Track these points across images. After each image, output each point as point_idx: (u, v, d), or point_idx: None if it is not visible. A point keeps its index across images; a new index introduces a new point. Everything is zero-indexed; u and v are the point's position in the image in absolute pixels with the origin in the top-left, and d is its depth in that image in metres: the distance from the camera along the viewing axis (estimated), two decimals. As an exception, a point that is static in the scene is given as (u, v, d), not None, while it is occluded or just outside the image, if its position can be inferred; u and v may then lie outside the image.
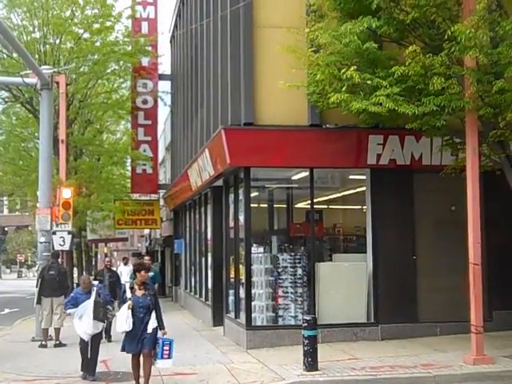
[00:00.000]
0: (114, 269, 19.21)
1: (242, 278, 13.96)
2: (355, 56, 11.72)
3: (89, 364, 10.87)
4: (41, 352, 14.22)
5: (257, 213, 14.81)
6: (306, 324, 10.99)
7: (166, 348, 9.59)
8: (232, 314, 15.09)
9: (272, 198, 16.21)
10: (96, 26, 24.18)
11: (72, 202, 17.86)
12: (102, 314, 10.84)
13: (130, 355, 9.87)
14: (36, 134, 24.12)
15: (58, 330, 15.03)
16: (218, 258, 16.98)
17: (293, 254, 14.10)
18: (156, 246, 39.26)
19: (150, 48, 26.80)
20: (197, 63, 20.18)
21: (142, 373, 9.79)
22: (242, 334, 13.63)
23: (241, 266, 14.23)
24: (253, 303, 13.60)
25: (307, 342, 10.82)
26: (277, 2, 14.07)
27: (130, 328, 9.50)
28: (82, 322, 10.69)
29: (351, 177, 15.32)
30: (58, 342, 14.85)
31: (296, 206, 15.80)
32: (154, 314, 9.69)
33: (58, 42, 23.94)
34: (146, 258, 19.30)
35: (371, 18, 11.13)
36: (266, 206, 16.19)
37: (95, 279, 15.00)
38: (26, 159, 26.60)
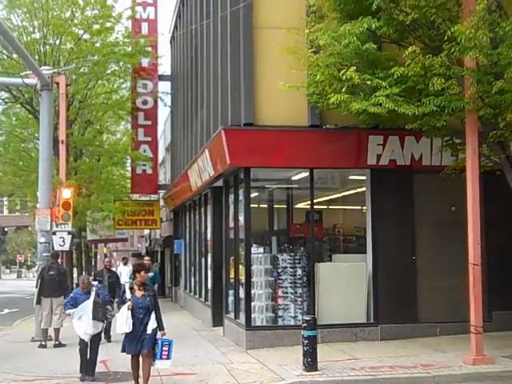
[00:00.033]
0: (114, 269, 19.23)
1: (242, 278, 13.97)
2: (355, 57, 11.73)
3: (88, 365, 10.87)
4: (40, 352, 14.22)
5: (257, 213, 14.83)
6: (305, 324, 10.99)
7: (165, 349, 9.60)
8: (232, 315, 15.10)
9: (272, 198, 16.22)
10: (96, 26, 24.20)
11: (72, 203, 17.86)
12: (102, 314, 10.85)
13: (129, 355, 9.88)
14: (36, 135, 24.14)
15: (57, 331, 15.04)
16: (217, 258, 16.99)
17: (293, 254, 14.11)
18: (156, 247, 39.27)
19: (149, 49, 26.83)
20: (197, 64, 20.19)
21: (141, 373, 9.80)
22: (242, 335, 13.64)
23: (240, 267, 14.23)
24: (252, 303, 13.61)
25: (307, 342, 10.82)
26: (277, 2, 14.08)
27: (130, 329, 9.51)
28: (81, 323, 10.69)
29: (351, 177, 15.32)
30: (57, 343, 14.86)
31: (296, 206, 15.81)
32: (153, 315, 9.70)
33: (57, 42, 23.96)
34: (146, 258, 19.31)
35: (371, 19, 11.14)
36: (265, 206, 16.20)
37: (95, 279, 15.01)
38: (26, 160, 26.61)
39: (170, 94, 28.30)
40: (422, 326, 13.86)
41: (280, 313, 13.82)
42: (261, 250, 13.96)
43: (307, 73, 12.73)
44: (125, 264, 25.13)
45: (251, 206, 13.84)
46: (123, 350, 9.83)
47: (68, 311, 11.13)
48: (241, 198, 14.24)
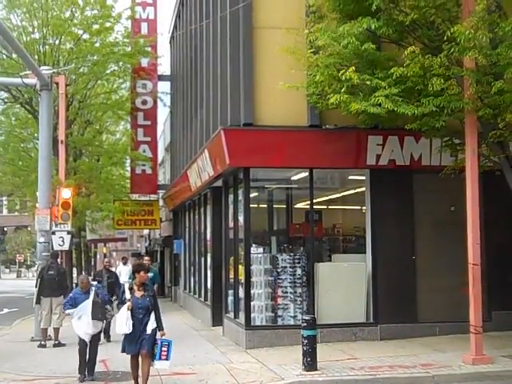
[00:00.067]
0: (113, 269, 19.22)
1: (242, 278, 13.97)
2: (354, 57, 11.73)
3: (87, 365, 10.87)
4: (40, 352, 14.23)
5: (256, 213, 14.84)
6: (305, 324, 11.01)
7: (164, 349, 9.60)
8: (231, 314, 15.10)
9: (271, 198, 16.23)
10: (95, 26, 24.23)
11: (71, 202, 17.86)
12: (101, 313, 10.86)
13: (128, 355, 9.88)
14: (35, 135, 24.12)
15: (57, 330, 15.05)
16: (217, 258, 17.00)
17: (292, 254, 14.11)
18: (155, 247, 39.28)
19: (149, 49, 26.85)
20: (196, 64, 20.20)
21: (140, 373, 9.80)
22: (242, 334, 13.64)
23: (240, 266, 14.24)
24: (252, 303, 13.61)
25: (306, 341, 10.84)
26: (276, 2, 14.08)
27: (130, 330, 9.50)
28: (81, 323, 10.69)
29: (351, 177, 15.33)
30: (57, 342, 14.87)
31: (295, 206, 15.83)
32: (153, 315, 9.68)
33: (57, 42, 23.98)
34: (146, 258, 19.24)
35: (371, 19, 11.15)
36: (265, 206, 16.21)
37: (94, 280, 15.01)
38: (26, 160, 26.62)
39: (169, 94, 28.30)
40: (422, 326, 13.87)
41: (279, 312, 13.83)
42: (260, 249, 13.97)
43: (307, 73, 12.74)
44: (124, 263, 25.16)
45: (251, 205, 13.85)
46: (123, 351, 9.84)
47: (67, 311, 11.14)
48: (240, 197, 14.25)
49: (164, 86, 28.62)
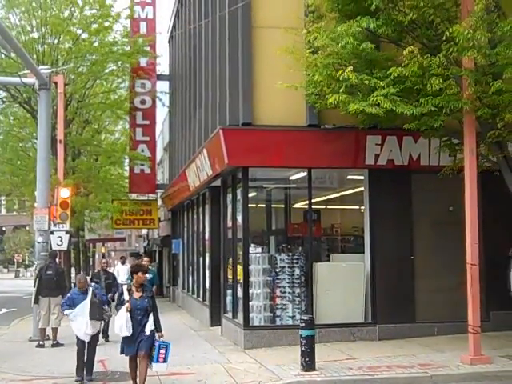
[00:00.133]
0: (111, 269, 19.20)
1: (240, 278, 13.96)
2: (353, 57, 11.73)
3: (85, 365, 10.86)
4: (38, 352, 14.21)
5: (255, 213, 14.83)
6: (303, 324, 11.01)
7: (162, 352, 9.56)
8: (230, 314, 15.10)
9: (270, 198, 16.21)
10: (94, 26, 24.19)
11: (70, 202, 17.84)
12: (99, 314, 10.84)
13: (127, 356, 9.86)
14: (34, 134, 24.11)
15: (55, 330, 15.04)
16: (215, 258, 16.99)
17: (291, 254, 14.11)
18: (154, 246, 39.25)
19: (148, 48, 26.83)
20: (195, 63, 20.19)
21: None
22: (240, 334, 13.64)
23: (239, 266, 14.23)
24: (250, 303, 13.61)
25: (305, 341, 10.83)
26: (275, 2, 14.08)
27: (131, 332, 9.48)
28: (80, 324, 10.66)
29: (349, 177, 15.33)
30: (55, 342, 14.86)
31: (294, 206, 15.82)
32: (151, 316, 9.64)
33: (56, 42, 23.95)
34: (145, 259, 19.18)
35: (370, 18, 11.14)
36: (263, 206, 16.19)
37: (92, 281, 14.98)
38: (24, 159, 26.60)
39: (168, 94, 28.29)
40: (420, 326, 13.88)
41: (278, 312, 13.82)
42: (259, 249, 13.96)
43: (305, 73, 12.73)
44: (122, 263, 25.13)
45: (249, 205, 13.85)
46: (122, 352, 9.81)
47: (66, 312, 11.10)
48: (239, 197, 14.24)
49: (163, 86, 28.65)
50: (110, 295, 14.06)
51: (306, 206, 14.15)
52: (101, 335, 12.66)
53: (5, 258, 79.84)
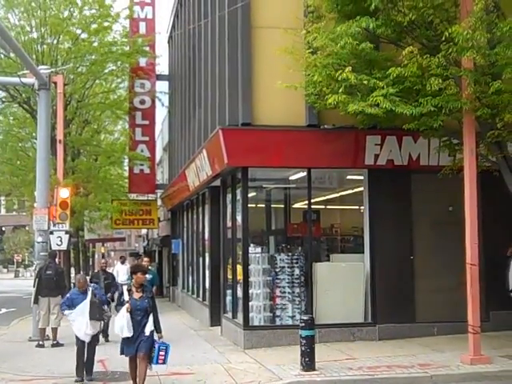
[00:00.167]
0: (111, 270, 19.18)
1: (240, 278, 13.97)
2: (352, 57, 11.73)
3: (85, 365, 10.86)
4: (38, 352, 14.21)
5: (254, 213, 14.83)
6: (303, 324, 11.01)
7: (162, 353, 9.54)
8: (229, 314, 15.10)
9: (270, 198, 16.21)
10: (94, 26, 24.19)
11: (69, 202, 17.83)
12: (99, 314, 10.84)
13: (127, 357, 9.85)
14: (34, 134, 24.10)
15: (55, 330, 15.04)
16: (215, 258, 16.99)
17: (290, 254, 14.11)
18: (153, 246, 39.25)
19: (147, 48, 26.82)
20: (194, 63, 20.19)
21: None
22: (240, 334, 13.64)
23: (238, 266, 14.24)
24: (250, 303, 13.61)
25: (305, 341, 10.84)
26: (274, 2, 14.08)
27: (132, 333, 9.47)
28: (80, 324, 10.66)
29: (349, 177, 15.33)
30: (55, 342, 14.86)
31: (293, 206, 15.82)
32: (151, 317, 9.62)
33: (55, 42, 23.94)
34: (145, 259, 19.12)
35: (369, 18, 11.14)
36: (263, 206, 16.19)
37: (91, 281, 14.97)
38: (24, 159, 26.59)
39: (167, 94, 28.29)
40: (420, 326, 13.89)
41: (278, 312, 13.83)
42: (258, 249, 13.97)
43: (305, 73, 12.73)
44: (122, 263, 25.13)
45: (249, 205, 13.85)
46: (122, 353, 9.80)
47: (65, 312, 11.10)
48: (238, 197, 14.24)
49: (162, 86, 28.64)
50: (108, 295, 14.06)
51: (306, 206, 14.16)
52: (101, 335, 12.65)
53: (4, 258, 79.84)
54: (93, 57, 24.37)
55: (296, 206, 15.64)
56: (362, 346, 13.20)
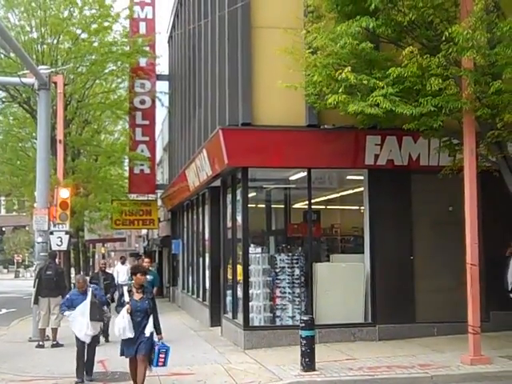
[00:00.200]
0: (111, 270, 19.18)
1: (240, 278, 13.96)
2: (352, 57, 11.72)
3: (85, 366, 10.85)
4: (38, 352, 14.21)
5: (254, 213, 14.82)
6: (303, 324, 11.00)
7: (162, 356, 9.52)
8: (229, 315, 15.09)
9: (270, 198, 16.21)
10: (94, 26, 24.20)
11: (69, 202, 17.84)
12: (99, 314, 10.83)
13: (127, 358, 9.84)
14: (34, 134, 24.10)
15: (55, 331, 15.03)
16: (215, 258, 16.98)
17: (290, 254, 14.10)
18: (154, 247, 39.25)
19: (147, 48, 26.82)
20: (195, 63, 20.18)
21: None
22: (240, 335, 13.63)
23: (238, 267, 14.23)
24: (250, 303, 13.60)
25: (305, 342, 10.83)
26: (274, 2, 14.07)
27: (133, 334, 9.45)
28: (80, 325, 10.64)
29: (349, 177, 15.33)
30: (55, 343, 14.85)
31: (294, 206, 15.81)
32: (151, 318, 9.60)
33: (55, 42, 23.95)
34: (146, 260, 19.05)
35: (369, 18, 11.13)
36: (263, 206, 16.19)
37: (91, 282, 14.96)
38: (24, 159, 26.58)
39: (167, 94, 28.29)
40: (420, 326, 13.88)
41: (278, 313, 13.82)
42: (259, 249, 13.96)
43: (305, 73, 12.73)
44: (122, 263, 25.17)
45: (249, 205, 13.84)
46: (122, 354, 9.78)
47: (65, 313, 11.08)
48: (238, 197, 14.23)
49: (162, 86, 28.65)
50: (108, 296, 14.05)
51: (306, 207, 14.15)
52: (101, 336, 12.64)
53: (4, 258, 79.85)
54: (93, 57, 24.38)
55: (296, 206, 15.64)
56: (362, 346, 13.20)
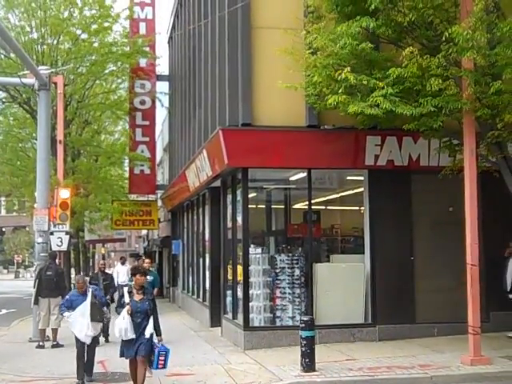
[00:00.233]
0: (111, 270, 19.16)
1: (240, 278, 13.96)
2: (352, 58, 11.72)
3: (85, 366, 10.84)
4: (38, 353, 14.21)
5: (254, 213, 14.83)
6: (303, 325, 11.00)
7: (162, 358, 9.48)
8: (230, 315, 15.09)
9: (270, 198, 16.21)
10: (94, 26, 24.22)
11: (70, 203, 17.84)
12: (99, 315, 10.83)
13: (127, 359, 9.84)
14: (34, 135, 24.11)
15: (55, 331, 15.03)
16: (215, 258, 16.98)
17: (290, 254, 14.10)
18: (154, 247, 39.25)
19: (147, 49, 26.84)
20: (195, 64, 20.19)
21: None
22: (240, 335, 13.63)
23: (238, 267, 14.23)
24: (250, 304, 13.60)
25: (305, 342, 10.83)
26: (274, 3, 14.07)
27: (135, 335, 9.44)
28: (81, 325, 10.63)
29: (349, 178, 15.33)
30: (55, 343, 14.85)
31: (294, 206, 15.81)
32: (151, 320, 9.57)
33: (55, 42, 23.98)
34: (147, 260, 18.98)
35: (369, 18, 11.13)
36: (263, 206, 16.19)
37: (90, 283, 14.96)
38: (24, 160, 26.60)
39: (167, 95, 28.29)
40: (420, 327, 13.87)
41: (278, 313, 13.82)
42: (259, 250, 13.95)
43: (305, 74, 12.73)
44: (122, 263, 25.15)
45: (249, 206, 13.84)
46: (122, 355, 9.76)
47: (65, 314, 11.06)
48: (239, 198, 14.23)
49: (162, 86, 28.66)
50: (108, 297, 14.05)
51: (306, 207, 14.15)
52: (101, 336, 12.63)
53: (5, 258, 79.82)
54: (93, 57, 24.40)
55: (296, 206, 15.64)
56: (362, 346, 13.19)
